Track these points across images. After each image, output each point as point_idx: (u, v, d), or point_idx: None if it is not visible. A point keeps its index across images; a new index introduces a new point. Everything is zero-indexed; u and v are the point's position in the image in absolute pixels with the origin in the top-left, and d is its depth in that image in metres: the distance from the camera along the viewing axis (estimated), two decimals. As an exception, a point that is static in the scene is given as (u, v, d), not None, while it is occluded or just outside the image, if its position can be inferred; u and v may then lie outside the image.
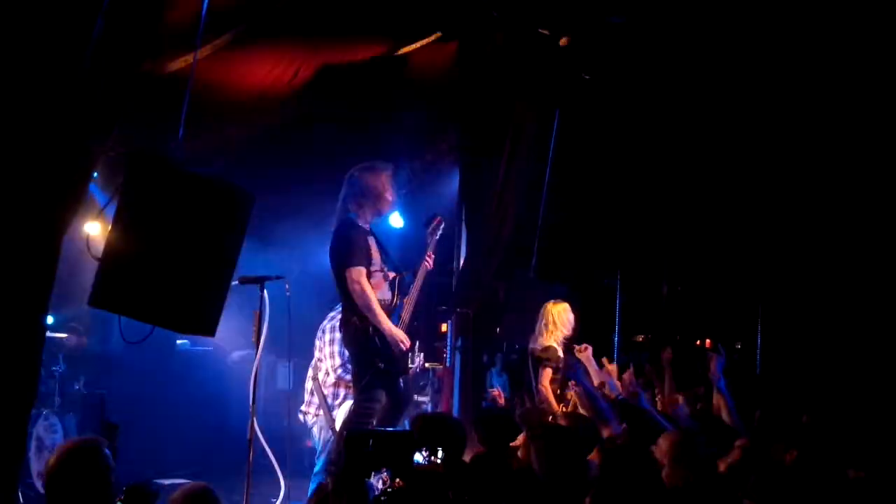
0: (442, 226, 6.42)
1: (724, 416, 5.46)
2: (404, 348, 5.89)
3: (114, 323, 4.11)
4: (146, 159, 3.93)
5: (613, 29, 6.66)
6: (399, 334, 5.87)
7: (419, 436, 4.03)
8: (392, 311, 5.97)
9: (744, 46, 6.91)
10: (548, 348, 6.83)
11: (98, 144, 4.03)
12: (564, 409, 6.18)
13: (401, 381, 6.05)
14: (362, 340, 5.85)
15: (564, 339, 7.00)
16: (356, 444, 3.38)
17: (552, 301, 7.19)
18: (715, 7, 6.37)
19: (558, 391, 6.62)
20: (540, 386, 6.74)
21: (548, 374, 6.78)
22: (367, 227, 6.07)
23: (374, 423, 5.88)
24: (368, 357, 5.84)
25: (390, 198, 6.12)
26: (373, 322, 5.80)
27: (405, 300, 6.07)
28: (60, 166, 3.72)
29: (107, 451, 3.49)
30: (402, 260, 6.41)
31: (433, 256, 6.30)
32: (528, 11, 6.55)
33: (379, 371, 5.83)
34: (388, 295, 6.01)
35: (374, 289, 5.89)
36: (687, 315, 9.91)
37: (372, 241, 6.02)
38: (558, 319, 7.03)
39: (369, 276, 5.88)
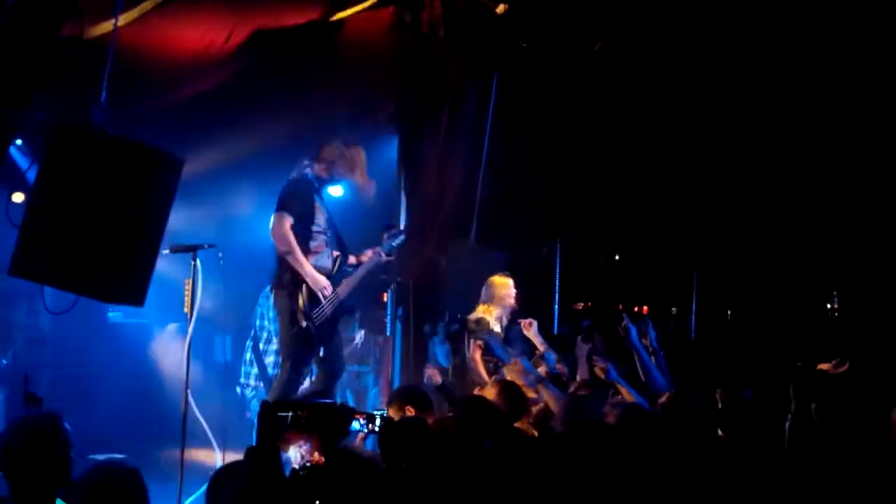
0: (401, 238, 6.33)
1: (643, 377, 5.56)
2: (325, 293, 5.76)
3: (39, 294, 3.99)
4: (67, 123, 3.81)
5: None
6: (321, 280, 5.74)
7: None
8: (331, 281, 5.89)
9: (683, 7, 6.96)
10: (479, 320, 6.82)
11: (17, 110, 3.90)
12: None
13: (332, 348, 5.95)
14: (287, 302, 5.76)
15: (507, 312, 6.99)
16: (272, 413, 3.22)
17: (497, 274, 7.18)
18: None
19: (492, 364, 6.62)
20: (469, 357, 6.74)
21: (478, 345, 6.79)
22: (318, 188, 5.98)
23: (306, 391, 5.83)
24: (293, 317, 5.74)
25: (361, 177, 6.08)
26: (294, 267, 5.69)
27: (344, 280, 5.97)
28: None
29: (66, 425, 3.38)
30: (343, 232, 6.32)
31: (382, 254, 6.18)
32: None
33: (303, 333, 5.73)
34: (327, 263, 5.93)
35: (313, 252, 5.81)
36: (624, 282, 10.04)
37: (319, 204, 5.94)
38: (496, 293, 7.03)
39: (309, 236, 5.80)
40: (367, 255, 6.13)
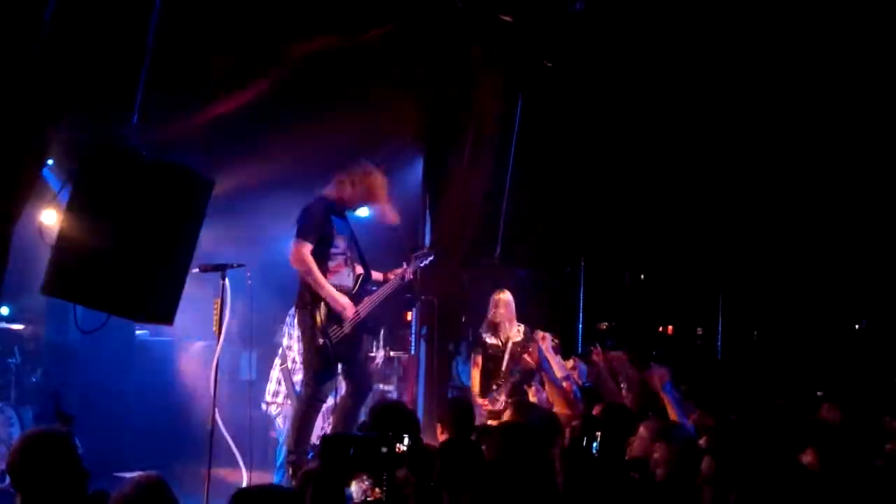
0: (430, 258, 6.33)
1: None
2: (346, 315, 5.74)
3: (71, 312, 4.03)
4: (101, 144, 3.86)
5: (575, 17, 6.68)
6: (341, 300, 5.72)
7: (373, 423, 3.94)
8: (350, 298, 5.86)
9: (706, 35, 6.97)
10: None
11: (50, 130, 3.96)
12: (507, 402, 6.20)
13: (354, 366, 5.94)
14: (307, 320, 5.78)
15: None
16: (335, 448, 3.16)
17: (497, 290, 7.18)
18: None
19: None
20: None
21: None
22: (338, 211, 5.98)
23: (330, 410, 5.82)
24: (314, 336, 5.75)
25: (381, 201, 6.07)
26: (314, 289, 5.71)
27: (365, 298, 5.95)
28: (11, 153, 3.65)
29: (76, 440, 3.43)
30: (369, 251, 6.33)
31: (410, 272, 6.18)
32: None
33: (321, 350, 5.73)
34: (348, 282, 5.94)
35: (332, 272, 5.82)
36: (649, 302, 9.99)
37: (338, 227, 5.91)
38: (495, 307, 7.04)
39: (327, 257, 5.81)
40: (396, 273, 6.13)
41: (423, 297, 7.88)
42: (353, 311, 5.79)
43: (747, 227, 9.49)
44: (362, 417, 6.26)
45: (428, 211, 8.01)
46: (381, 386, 7.93)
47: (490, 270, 8.07)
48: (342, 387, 6.07)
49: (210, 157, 6.31)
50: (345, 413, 5.90)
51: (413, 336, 8.13)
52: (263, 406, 6.92)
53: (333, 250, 5.86)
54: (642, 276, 10.25)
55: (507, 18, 6.64)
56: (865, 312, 9.73)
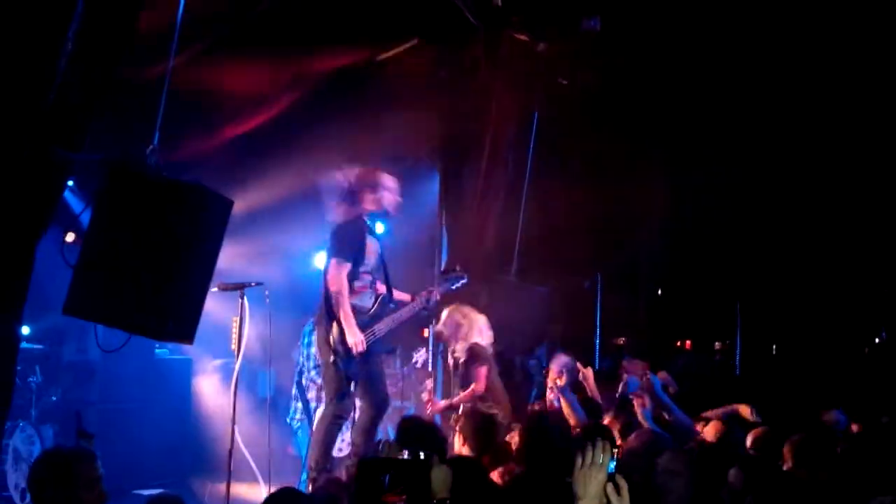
0: (462, 282, 6.31)
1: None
2: (354, 349, 5.67)
3: (91, 332, 4.07)
4: (122, 166, 3.90)
5: (589, 35, 6.71)
6: (356, 334, 5.67)
7: (402, 438, 3.92)
8: (368, 318, 5.87)
9: (720, 51, 6.98)
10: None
11: (72, 151, 4.00)
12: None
13: (369, 383, 5.91)
14: (325, 336, 5.77)
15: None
16: (370, 472, 3.06)
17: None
18: (685, 12, 6.44)
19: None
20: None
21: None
22: (372, 228, 5.98)
23: (349, 426, 5.82)
24: (328, 353, 5.74)
25: (381, 193, 5.96)
26: (335, 310, 5.70)
27: (385, 318, 5.93)
28: (33, 173, 3.69)
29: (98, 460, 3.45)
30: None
31: (437, 294, 6.16)
32: (506, 17, 6.58)
33: (334, 367, 5.72)
34: (367, 302, 5.94)
35: (356, 291, 5.81)
36: (667, 317, 9.95)
37: (371, 242, 5.92)
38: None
39: (357, 277, 5.81)
40: (422, 296, 6.11)
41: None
42: (363, 346, 5.71)
43: (764, 240, 9.44)
44: (380, 435, 6.28)
45: (445, 228, 8.03)
46: (399, 402, 7.93)
47: (507, 287, 8.06)
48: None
49: (228, 176, 6.37)
50: (362, 431, 5.90)
51: (430, 352, 8.13)
52: (288, 420, 6.95)
53: (363, 269, 5.85)
54: (660, 291, 10.21)
55: (522, 37, 6.68)
56: (885, 324, 9.64)
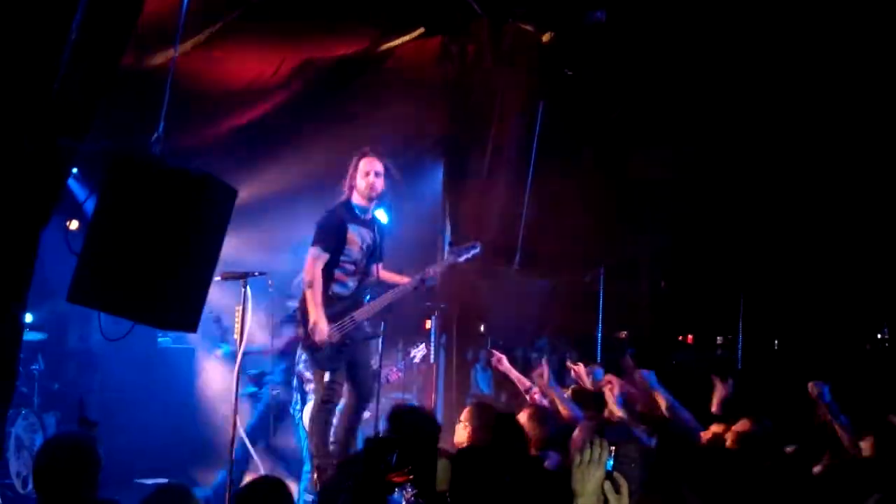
0: (475, 251, 6.19)
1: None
2: (317, 338, 5.60)
3: (94, 320, 4.06)
4: (126, 154, 3.89)
5: (595, 26, 6.68)
6: (321, 324, 5.59)
7: (393, 425, 3.90)
8: (348, 303, 5.81)
9: (723, 43, 6.95)
10: None
11: (75, 140, 4.00)
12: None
13: (352, 373, 5.85)
14: (302, 328, 5.76)
15: None
16: (377, 453, 3.10)
17: None
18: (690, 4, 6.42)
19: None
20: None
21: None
22: (359, 217, 5.89)
23: (336, 414, 5.80)
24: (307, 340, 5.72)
25: (357, 181, 5.85)
26: (307, 301, 5.65)
27: (365, 305, 5.87)
28: (37, 162, 3.69)
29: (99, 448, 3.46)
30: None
31: (430, 272, 6.04)
32: (512, 7, 6.56)
33: (312, 358, 5.70)
34: (346, 290, 5.84)
35: (335, 280, 5.75)
36: (669, 311, 9.93)
37: (354, 232, 5.82)
38: None
39: (336, 265, 5.75)
40: (413, 277, 6.07)
41: (442, 305, 7.87)
42: (324, 336, 5.63)
43: (768, 234, 9.42)
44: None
45: (447, 217, 8.02)
46: (401, 395, 7.93)
47: (509, 279, 8.06)
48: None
49: (233, 165, 6.35)
50: (346, 418, 5.87)
51: (432, 344, 8.12)
52: (291, 411, 6.95)
53: (344, 259, 5.80)
54: (662, 284, 10.18)
55: (528, 28, 6.65)
56: (887, 321, 9.62)
